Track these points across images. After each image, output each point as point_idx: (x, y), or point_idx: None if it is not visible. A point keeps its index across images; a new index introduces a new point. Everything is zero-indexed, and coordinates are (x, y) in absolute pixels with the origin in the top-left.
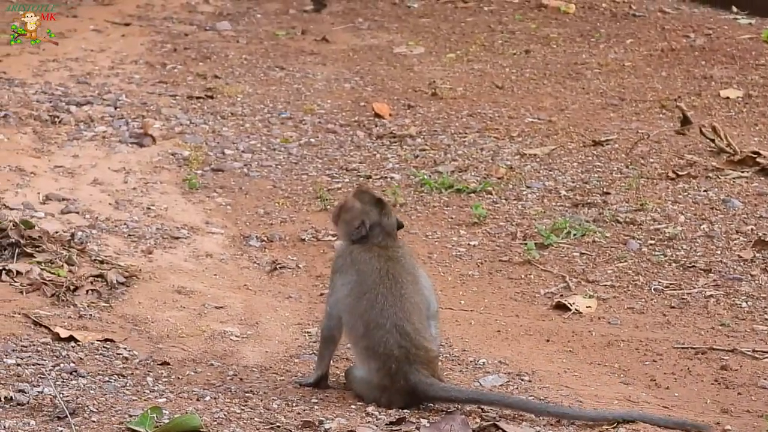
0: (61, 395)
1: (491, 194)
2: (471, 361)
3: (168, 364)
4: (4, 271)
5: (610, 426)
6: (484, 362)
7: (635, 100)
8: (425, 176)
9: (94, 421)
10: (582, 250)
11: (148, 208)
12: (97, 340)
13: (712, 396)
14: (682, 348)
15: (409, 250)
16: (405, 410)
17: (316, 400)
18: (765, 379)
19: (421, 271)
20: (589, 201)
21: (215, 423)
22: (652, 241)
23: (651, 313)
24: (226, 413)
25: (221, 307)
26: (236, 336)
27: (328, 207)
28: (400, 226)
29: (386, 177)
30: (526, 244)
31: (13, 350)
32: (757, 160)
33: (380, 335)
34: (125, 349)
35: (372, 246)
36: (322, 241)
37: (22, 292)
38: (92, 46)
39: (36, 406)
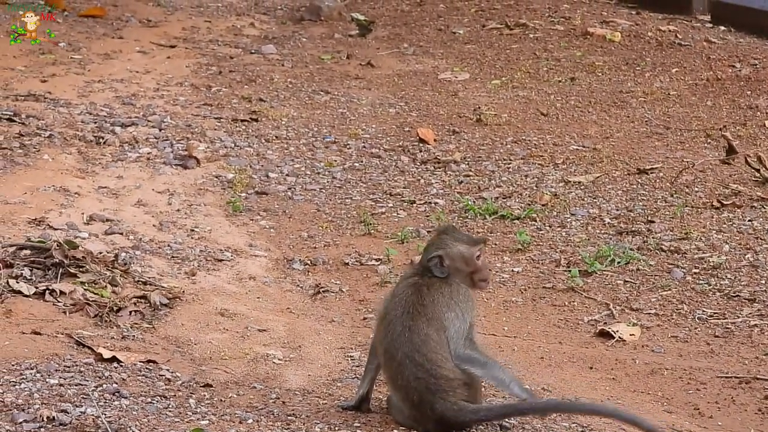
0: (103, 416)
1: (535, 221)
2: None
3: (211, 386)
4: (47, 291)
5: None
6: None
7: (680, 129)
8: (469, 202)
9: None
10: (626, 277)
11: (192, 230)
12: (140, 362)
13: (755, 426)
14: (726, 377)
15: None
16: None
17: (358, 425)
18: None
19: (456, 307)
20: (633, 229)
21: None
22: (697, 270)
23: (695, 342)
24: None
25: (264, 330)
26: (279, 359)
27: (372, 231)
28: None
29: (430, 202)
30: (569, 271)
31: (56, 370)
32: None
33: (395, 367)
34: (168, 370)
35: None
36: (365, 265)
37: (65, 312)
38: (138, 67)
39: (78, 427)
